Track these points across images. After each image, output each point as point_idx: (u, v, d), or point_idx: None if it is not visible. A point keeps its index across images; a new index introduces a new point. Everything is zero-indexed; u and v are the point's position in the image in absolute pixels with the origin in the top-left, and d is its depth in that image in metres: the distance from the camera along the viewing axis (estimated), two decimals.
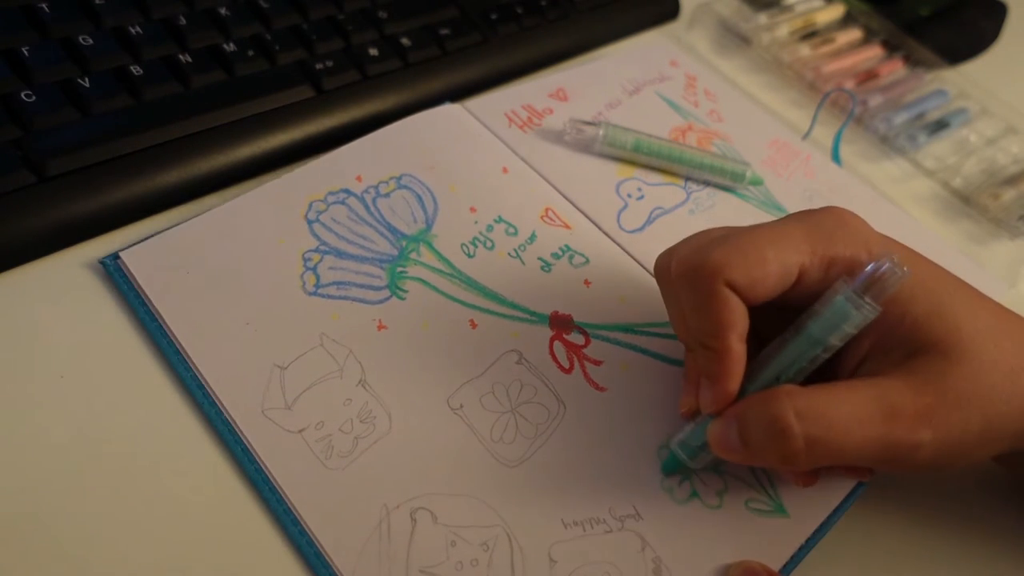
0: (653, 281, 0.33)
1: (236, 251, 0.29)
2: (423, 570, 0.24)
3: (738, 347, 0.24)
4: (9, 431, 0.24)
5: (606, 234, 0.34)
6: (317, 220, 0.31)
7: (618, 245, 0.34)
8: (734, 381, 0.24)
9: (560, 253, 0.33)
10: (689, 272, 0.25)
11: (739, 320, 0.24)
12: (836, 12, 0.52)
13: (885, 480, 0.30)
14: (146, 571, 0.23)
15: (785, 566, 0.26)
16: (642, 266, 0.33)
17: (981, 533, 0.30)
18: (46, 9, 0.32)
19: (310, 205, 0.31)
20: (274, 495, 0.24)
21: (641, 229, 0.35)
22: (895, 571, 0.28)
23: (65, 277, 0.28)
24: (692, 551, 0.26)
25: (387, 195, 0.33)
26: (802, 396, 0.23)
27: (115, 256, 0.28)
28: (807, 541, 0.27)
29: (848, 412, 0.23)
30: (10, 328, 0.26)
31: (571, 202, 0.35)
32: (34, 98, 0.29)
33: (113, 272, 0.28)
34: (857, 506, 0.28)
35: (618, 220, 0.35)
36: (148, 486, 0.24)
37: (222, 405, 0.26)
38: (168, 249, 0.29)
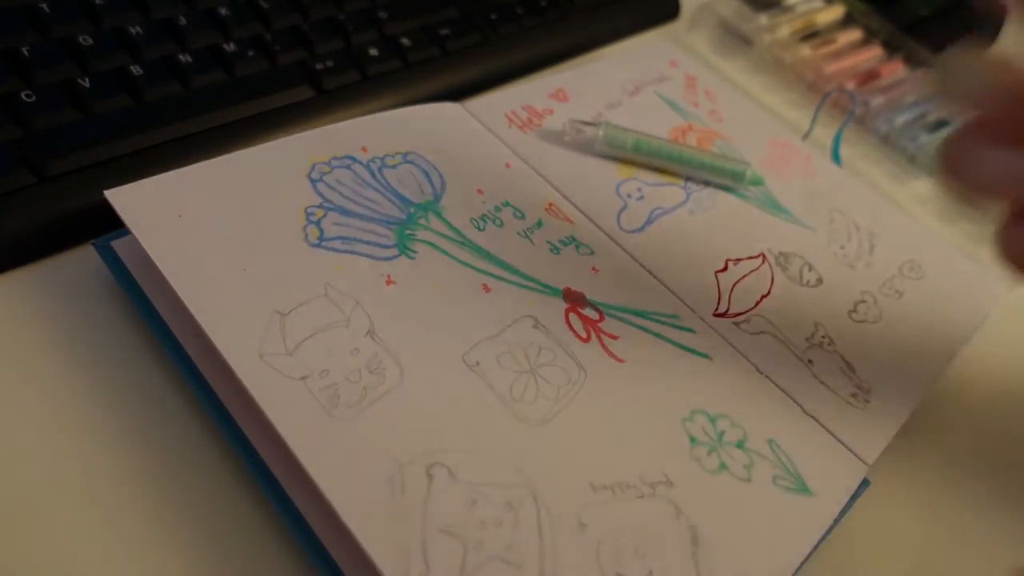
0: (654, 281, 0.33)
1: (233, 200, 0.28)
2: (443, 529, 0.22)
3: None
4: (9, 430, 0.24)
5: (606, 234, 0.34)
6: (321, 180, 0.30)
7: (618, 245, 0.34)
8: None
9: (567, 241, 0.33)
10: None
11: None
12: (836, 13, 0.52)
13: (887, 478, 0.30)
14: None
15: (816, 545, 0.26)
16: (643, 266, 0.33)
17: (983, 532, 0.30)
18: (46, 9, 0.32)
19: (313, 165, 0.30)
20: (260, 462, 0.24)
21: (641, 229, 0.35)
22: (896, 569, 0.28)
23: (65, 277, 0.28)
24: (727, 523, 0.25)
25: (394, 167, 0.32)
26: None
27: (109, 239, 0.27)
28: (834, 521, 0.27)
29: None
30: (10, 328, 0.26)
31: (571, 202, 0.35)
32: (34, 98, 0.29)
33: (103, 254, 0.27)
34: (858, 505, 0.28)
35: (618, 220, 0.35)
36: (146, 482, 0.24)
37: (217, 351, 0.24)
38: (159, 192, 0.27)
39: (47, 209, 0.28)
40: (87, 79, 0.31)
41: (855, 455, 0.29)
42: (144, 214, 0.26)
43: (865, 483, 0.28)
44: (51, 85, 0.30)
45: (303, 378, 0.24)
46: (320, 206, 0.29)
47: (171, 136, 0.31)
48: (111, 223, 0.27)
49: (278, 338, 0.25)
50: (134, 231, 0.26)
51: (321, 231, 0.28)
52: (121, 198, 0.27)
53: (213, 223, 0.27)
